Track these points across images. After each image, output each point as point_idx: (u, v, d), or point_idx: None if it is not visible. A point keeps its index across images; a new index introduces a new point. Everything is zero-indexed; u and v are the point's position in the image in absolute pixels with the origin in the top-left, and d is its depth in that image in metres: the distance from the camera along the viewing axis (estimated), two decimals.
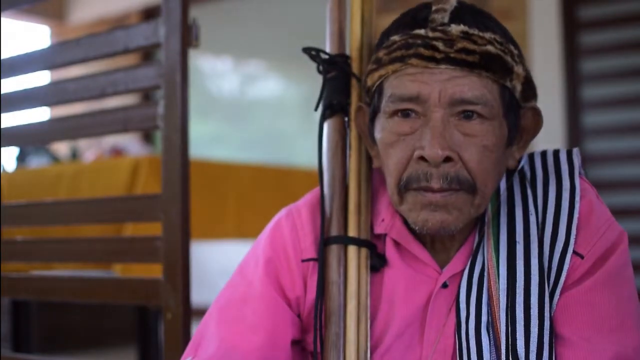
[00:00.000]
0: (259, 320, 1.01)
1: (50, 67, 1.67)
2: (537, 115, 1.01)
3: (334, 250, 1.03)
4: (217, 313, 1.03)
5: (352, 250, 1.02)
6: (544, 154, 1.04)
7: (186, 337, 1.33)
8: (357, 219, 1.04)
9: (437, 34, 0.93)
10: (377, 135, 0.99)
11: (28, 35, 5.98)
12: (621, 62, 3.67)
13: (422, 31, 0.95)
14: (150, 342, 2.82)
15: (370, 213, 1.06)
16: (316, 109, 1.12)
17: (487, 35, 0.94)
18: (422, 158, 0.93)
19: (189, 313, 1.34)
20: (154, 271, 1.43)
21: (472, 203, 0.95)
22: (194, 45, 1.39)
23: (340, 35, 1.15)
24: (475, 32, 0.94)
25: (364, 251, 1.03)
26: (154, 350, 2.80)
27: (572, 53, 3.77)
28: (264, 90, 5.32)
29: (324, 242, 1.03)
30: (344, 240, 1.03)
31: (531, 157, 1.05)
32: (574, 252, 0.96)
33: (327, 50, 1.14)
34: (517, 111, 0.99)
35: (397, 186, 0.96)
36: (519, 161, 1.03)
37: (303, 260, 1.04)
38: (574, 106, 3.76)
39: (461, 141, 0.93)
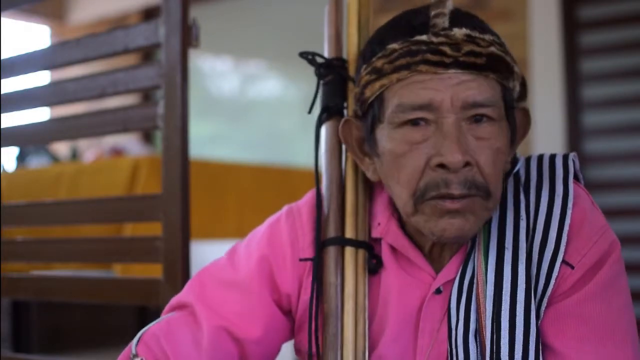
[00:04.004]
0: (254, 312, 1.03)
1: (50, 67, 1.67)
2: (526, 117, 1.01)
3: (331, 251, 1.02)
4: (199, 288, 1.06)
5: (349, 251, 1.02)
6: (540, 157, 1.03)
7: None
8: (354, 221, 1.04)
9: (442, 39, 0.92)
10: (385, 146, 0.96)
11: (28, 35, 5.98)
12: (621, 62, 3.67)
13: (424, 37, 0.93)
14: None
15: (367, 215, 1.06)
16: (310, 112, 1.11)
17: (487, 37, 0.94)
18: (440, 165, 0.91)
19: None
20: (154, 271, 1.43)
21: (486, 207, 0.93)
22: (194, 45, 1.39)
23: (337, 39, 1.15)
24: (477, 34, 0.93)
25: (362, 252, 1.03)
26: None
27: (572, 53, 3.77)
28: (264, 90, 5.32)
29: (321, 243, 1.03)
30: (341, 242, 1.03)
31: (528, 160, 1.03)
32: (564, 261, 0.94)
33: (325, 53, 1.14)
34: (513, 112, 0.99)
35: (412, 197, 0.93)
36: (514, 165, 1.02)
37: (300, 260, 1.04)
38: (574, 106, 3.76)
39: (475, 145, 0.92)
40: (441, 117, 0.92)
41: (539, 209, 0.97)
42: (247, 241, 1.10)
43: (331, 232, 1.04)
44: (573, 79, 3.76)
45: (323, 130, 1.11)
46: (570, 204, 0.96)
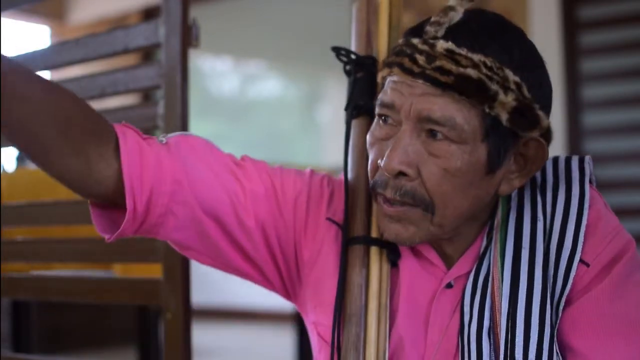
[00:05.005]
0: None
1: (50, 67, 1.67)
2: (540, 149, 0.95)
3: (357, 250, 1.02)
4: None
5: (374, 251, 1.02)
6: (555, 160, 1.03)
7: (186, 337, 1.33)
8: None
9: (425, 47, 0.91)
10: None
11: (28, 35, 5.99)
12: (621, 62, 3.67)
13: (415, 40, 0.93)
14: (150, 342, 2.82)
15: None
16: (346, 109, 1.12)
17: (476, 57, 0.90)
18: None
19: (189, 313, 1.34)
20: (154, 271, 1.43)
21: (431, 221, 0.93)
22: (194, 45, 1.39)
23: (367, 37, 1.14)
24: (463, 52, 0.90)
25: (386, 252, 1.03)
26: (154, 350, 2.80)
27: (572, 53, 3.77)
28: (264, 90, 5.33)
29: (347, 241, 1.03)
30: (367, 241, 1.02)
31: None
32: (580, 260, 0.94)
33: (353, 50, 1.14)
34: (511, 138, 0.94)
35: (371, 188, 0.97)
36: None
37: (327, 219, 1.05)
38: (574, 106, 3.76)
39: (424, 159, 0.92)
40: (401, 122, 0.93)
41: (555, 210, 0.97)
42: (285, 168, 1.10)
43: (357, 230, 1.03)
44: (573, 79, 3.77)
45: (352, 128, 1.11)
46: (586, 205, 0.97)
